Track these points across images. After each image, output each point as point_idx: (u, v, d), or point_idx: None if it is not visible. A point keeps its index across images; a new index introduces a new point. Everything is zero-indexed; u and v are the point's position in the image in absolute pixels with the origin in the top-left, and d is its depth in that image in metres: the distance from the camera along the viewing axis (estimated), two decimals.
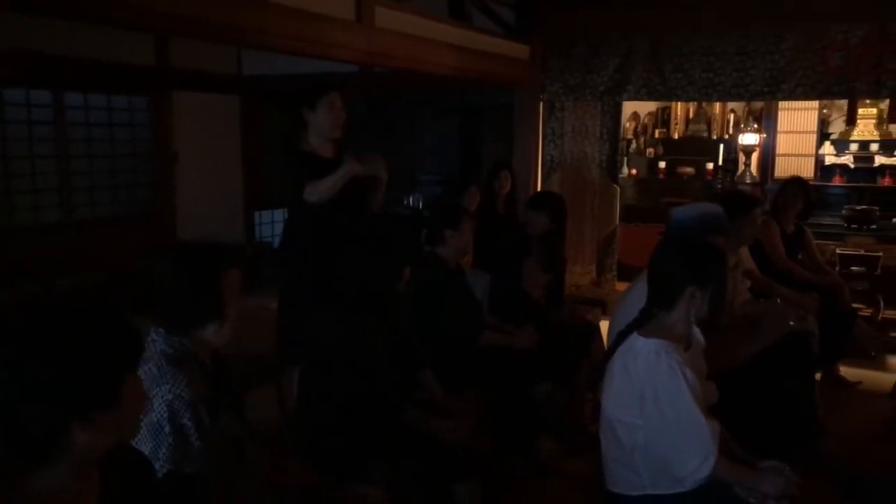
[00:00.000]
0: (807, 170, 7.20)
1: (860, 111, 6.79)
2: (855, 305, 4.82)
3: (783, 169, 7.16)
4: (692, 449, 1.94)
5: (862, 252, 5.47)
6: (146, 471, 1.36)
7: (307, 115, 3.20)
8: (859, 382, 4.48)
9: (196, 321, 1.73)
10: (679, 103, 7.71)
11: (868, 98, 6.24)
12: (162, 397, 1.62)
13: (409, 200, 8.45)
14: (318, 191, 3.11)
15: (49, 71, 5.71)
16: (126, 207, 6.66)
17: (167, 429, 1.62)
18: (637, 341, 2.04)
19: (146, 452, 1.57)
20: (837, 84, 5.18)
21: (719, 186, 7.19)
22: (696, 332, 2.14)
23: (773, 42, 5.25)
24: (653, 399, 1.94)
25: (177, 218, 6.81)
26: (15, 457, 1.07)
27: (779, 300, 3.78)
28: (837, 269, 5.23)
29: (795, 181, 4.71)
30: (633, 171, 7.90)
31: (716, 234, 2.76)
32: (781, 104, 7.07)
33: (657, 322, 2.08)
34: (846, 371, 4.57)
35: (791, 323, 3.17)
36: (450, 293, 3.23)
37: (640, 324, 2.08)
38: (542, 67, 6.08)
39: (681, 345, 2.04)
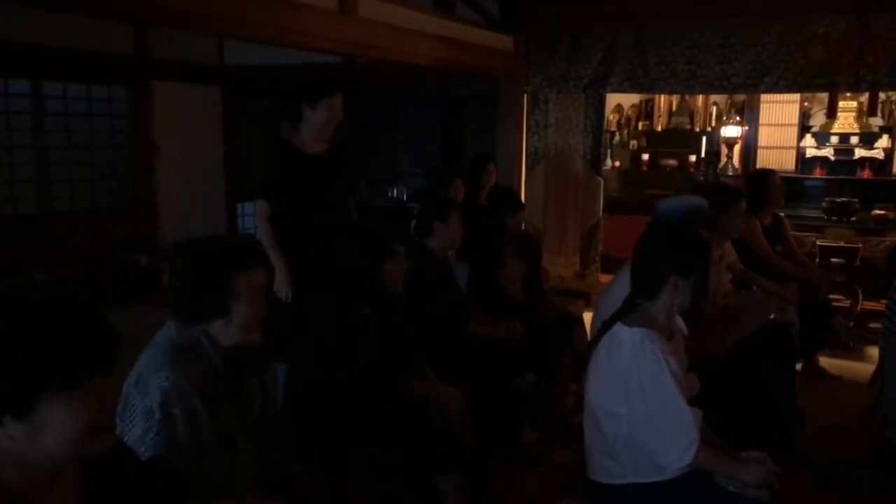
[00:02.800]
0: (788, 162, 7.27)
1: (841, 104, 6.85)
2: (834, 297, 4.87)
3: (765, 161, 7.21)
4: (675, 437, 1.95)
5: (841, 244, 5.52)
6: (132, 465, 1.33)
7: (304, 111, 3.11)
8: (840, 377, 4.52)
9: (199, 316, 1.73)
10: (662, 96, 7.74)
11: (848, 91, 6.29)
12: (158, 383, 1.62)
13: (392, 192, 8.44)
14: (263, 237, 3.10)
15: (27, 60, 5.64)
16: (106, 199, 6.58)
17: (158, 415, 1.61)
18: (621, 330, 2.05)
19: (136, 434, 1.59)
20: (818, 77, 5.23)
21: (702, 178, 7.23)
22: (679, 322, 2.16)
23: (755, 35, 5.29)
24: (637, 387, 1.95)
25: (158, 209, 6.75)
26: None
27: (758, 292, 3.81)
28: (817, 260, 5.28)
29: (771, 174, 4.70)
30: (617, 164, 7.93)
31: (700, 227, 2.77)
32: (763, 97, 7.12)
33: (641, 311, 2.09)
34: (825, 361, 4.62)
35: (772, 315, 3.20)
36: (437, 284, 3.24)
37: (624, 313, 2.09)
38: (525, 59, 6.08)
39: (664, 334, 2.05)
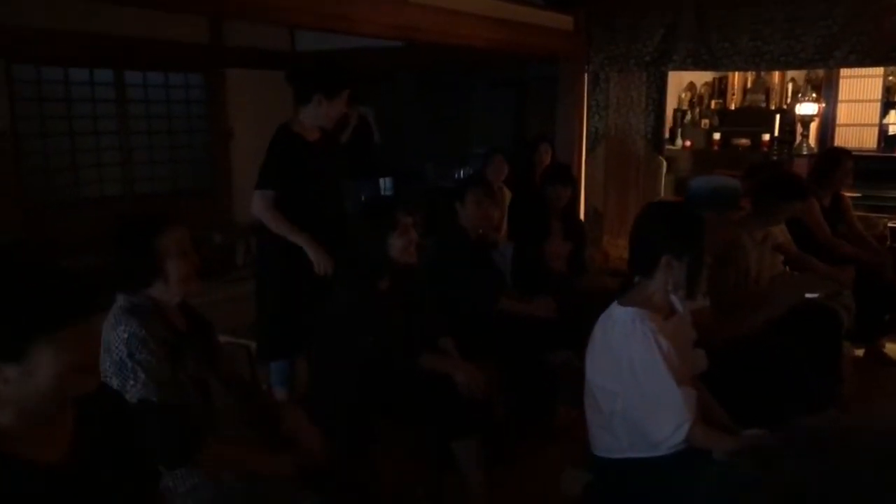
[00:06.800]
0: (869, 140, 6.90)
1: None
2: None
3: (843, 139, 6.86)
4: (666, 416, 1.97)
5: None
6: (119, 404, 1.48)
7: (319, 99, 3.16)
8: None
9: (140, 282, 1.95)
10: (736, 73, 7.49)
11: None
12: (119, 337, 1.84)
13: (459, 173, 8.51)
14: (277, 226, 3.15)
15: (110, 50, 5.99)
16: (184, 182, 6.95)
17: (129, 364, 1.82)
18: (616, 309, 2.08)
19: (116, 387, 1.77)
20: (894, 50, 4.98)
21: (775, 158, 6.98)
22: (676, 300, 2.16)
23: (824, 7, 5.07)
24: (629, 366, 1.99)
25: (233, 193, 7.06)
26: None
27: (794, 273, 3.70)
28: (889, 243, 5.05)
29: (846, 156, 4.50)
30: (688, 143, 7.73)
31: (726, 209, 2.74)
32: (843, 72, 6.76)
33: (638, 290, 2.10)
34: (892, 348, 4.44)
35: (806, 294, 3.12)
36: (461, 263, 3.31)
37: (623, 292, 2.11)
38: (586, 38, 6.02)
39: (659, 314, 2.07)
